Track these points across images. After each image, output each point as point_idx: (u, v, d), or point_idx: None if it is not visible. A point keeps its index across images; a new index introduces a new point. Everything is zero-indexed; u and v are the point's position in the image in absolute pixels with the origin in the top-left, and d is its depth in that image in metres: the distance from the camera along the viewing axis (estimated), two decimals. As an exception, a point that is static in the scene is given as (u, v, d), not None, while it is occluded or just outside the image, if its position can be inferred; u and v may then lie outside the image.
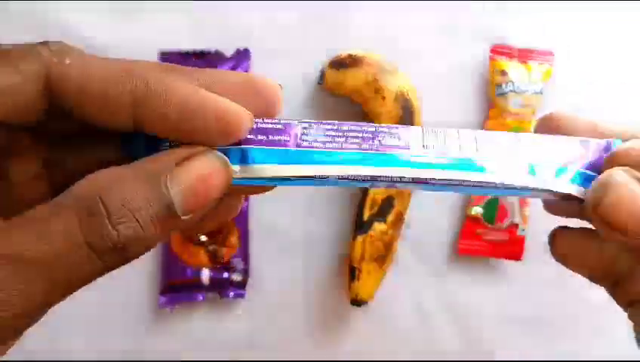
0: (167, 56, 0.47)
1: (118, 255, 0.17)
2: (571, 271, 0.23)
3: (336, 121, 0.22)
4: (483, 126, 0.49)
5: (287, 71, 0.48)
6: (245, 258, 0.48)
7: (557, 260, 0.23)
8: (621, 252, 0.22)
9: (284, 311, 0.49)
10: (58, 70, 0.17)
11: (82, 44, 0.21)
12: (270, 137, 0.21)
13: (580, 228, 0.23)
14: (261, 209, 0.49)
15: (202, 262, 0.48)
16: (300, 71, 0.48)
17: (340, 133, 0.21)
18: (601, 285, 0.23)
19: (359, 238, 0.46)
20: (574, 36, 0.50)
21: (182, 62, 0.47)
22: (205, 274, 0.48)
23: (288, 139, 0.21)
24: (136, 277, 0.48)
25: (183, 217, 0.17)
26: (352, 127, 0.21)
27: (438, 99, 0.48)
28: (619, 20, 0.50)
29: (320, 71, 0.47)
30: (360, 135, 0.21)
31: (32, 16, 0.47)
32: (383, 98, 0.45)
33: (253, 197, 0.48)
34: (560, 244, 0.23)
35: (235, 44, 0.48)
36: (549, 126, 0.23)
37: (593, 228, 0.21)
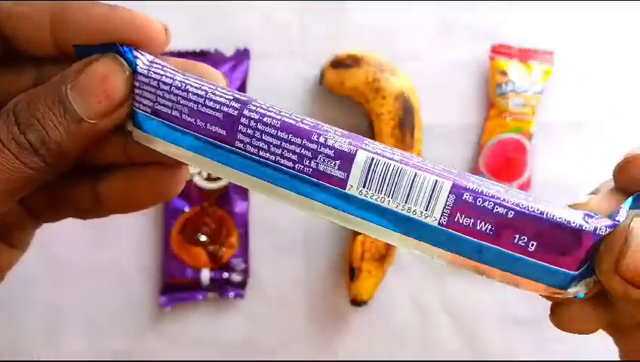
0: (166, 56, 0.47)
1: (32, 155, 0.18)
2: None
3: (286, 121, 0.19)
4: (483, 126, 0.49)
5: (287, 71, 0.48)
6: (245, 258, 0.48)
7: (562, 329, 0.21)
8: (623, 309, 0.20)
9: (284, 311, 0.49)
10: None
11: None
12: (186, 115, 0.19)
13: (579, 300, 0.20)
14: (261, 209, 0.49)
15: (202, 262, 0.48)
16: (300, 71, 0.48)
17: (278, 142, 0.18)
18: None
19: (359, 238, 0.46)
20: (574, 36, 0.50)
21: (182, 62, 0.47)
22: (205, 274, 0.48)
23: (223, 133, 0.19)
24: (137, 277, 0.48)
25: (89, 120, 0.19)
26: (293, 137, 0.18)
27: (438, 99, 0.48)
28: (619, 20, 0.50)
29: (320, 71, 0.47)
30: (298, 150, 0.18)
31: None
32: (383, 98, 0.45)
33: (253, 197, 0.48)
34: (561, 319, 0.20)
35: (235, 44, 0.48)
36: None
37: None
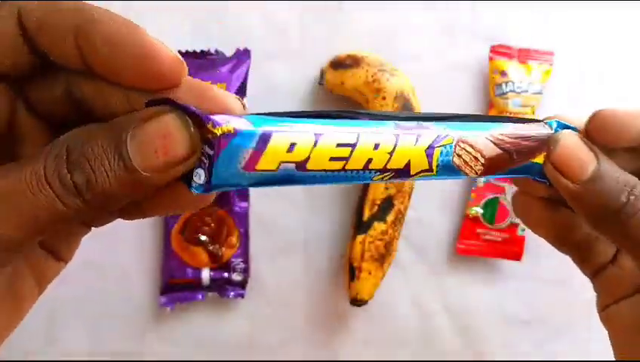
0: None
1: (75, 198, 0.18)
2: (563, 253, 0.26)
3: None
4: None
5: (287, 71, 0.48)
6: (245, 258, 0.48)
7: (519, 220, 0.27)
8: (576, 220, 0.25)
9: (284, 311, 0.49)
10: (25, 8, 0.18)
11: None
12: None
13: (538, 196, 0.26)
14: (261, 209, 0.49)
15: (202, 261, 0.48)
16: (300, 71, 0.48)
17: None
18: (566, 254, 0.26)
19: (359, 238, 0.46)
20: (574, 36, 0.50)
21: (182, 62, 0.47)
22: (205, 274, 0.48)
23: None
24: (137, 276, 0.48)
25: (143, 173, 0.18)
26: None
27: (438, 99, 0.48)
28: (619, 20, 0.50)
29: (320, 71, 0.47)
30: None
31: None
32: (383, 98, 0.45)
33: (253, 197, 0.48)
34: (519, 206, 0.26)
35: (235, 44, 0.48)
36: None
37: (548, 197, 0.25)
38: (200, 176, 0.19)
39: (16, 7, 0.18)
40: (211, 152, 0.18)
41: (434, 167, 0.21)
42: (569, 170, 0.22)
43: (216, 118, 0.18)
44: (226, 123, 0.18)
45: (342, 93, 0.47)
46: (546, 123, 0.24)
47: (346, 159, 0.19)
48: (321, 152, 0.19)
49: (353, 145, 0.20)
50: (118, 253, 0.48)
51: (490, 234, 0.49)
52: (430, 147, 0.21)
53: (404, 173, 0.21)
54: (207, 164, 0.18)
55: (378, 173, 0.20)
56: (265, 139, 0.18)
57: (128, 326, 0.48)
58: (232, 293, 0.48)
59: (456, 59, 0.49)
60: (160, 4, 0.47)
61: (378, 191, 0.46)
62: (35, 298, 0.22)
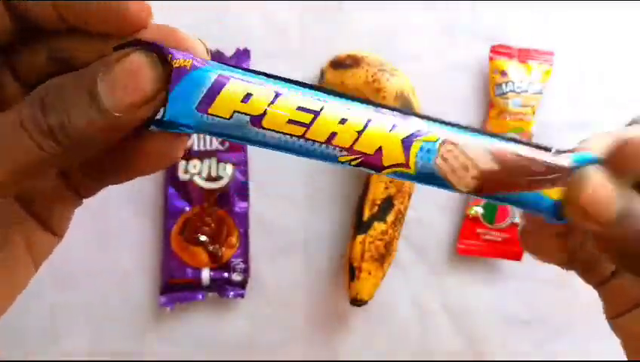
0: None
1: (50, 140, 0.18)
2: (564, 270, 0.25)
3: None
4: (483, 126, 0.49)
5: (287, 71, 0.48)
6: (245, 258, 0.48)
7: (529, 254, 0.25)
8: (583, 242, 0.24)
9: (284, 311, 0.49)
10: None
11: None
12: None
13: (544, 225, 0.24)
14: (261, 209, 0.49)
15: (202, 261, 0.48)
16: (300, 71, 0.48)
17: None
18: (571, 270, 0.25)
19: (359, 238, 0.46)
20: (574, 36, 0.50)
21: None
22: (205, 274, 0.48)
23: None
24: (137, 276, 0.48)
25: (115, 113, 0.18)
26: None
27: (438, 99, 0.48)
28: (619, 20, 0.50)
29: (320, 71, 0.47)
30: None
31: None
32: (383, 98, 0.45)
33: (253, 197, 0.48)
34: (529, 243, 0.25)
35: (235, 44, 0.48)
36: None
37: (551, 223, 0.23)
38: (160, 114, 0.19)
39: None
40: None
41: (411, 164, 0.19)
42: (595, 211, 0.20)
43: (178, 53, 0.19)
44: (185, 58, 0.19)
45: (342, 93, 0.47)
46: (559, 151, 0.21)
47: (307, 126, 0.19)
48: (279, 110, 0.19)
49: (316, 113, 0.19)
50: (118, 253, 0.48)
51: (491, 234, 0.49)
52: (408, 138, 0.19)
53: (375, 161, 0.19)
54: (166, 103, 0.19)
55: (344, 153, 0.19)
56: (221, 82, 0.19)
57: (128, 326, 0.48)
58: (232, 293, 0.48)
59: (457, 59, 0.49)
60: (160, 4, 0.47)
61: (378, 191, 0.46)
62: (30, 273, 0.23)
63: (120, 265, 0.48)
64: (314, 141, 0.19)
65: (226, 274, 0.48)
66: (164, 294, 0.48)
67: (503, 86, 0.48)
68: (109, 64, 0.19)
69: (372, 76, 0.45)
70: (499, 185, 0.20)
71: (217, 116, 0.19)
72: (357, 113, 0.19)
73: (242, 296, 0.48)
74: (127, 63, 0.19)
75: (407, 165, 0.19)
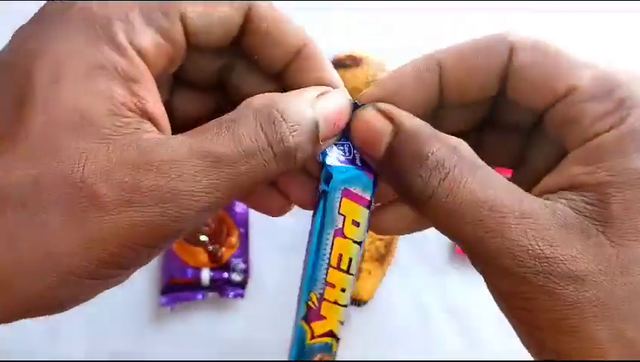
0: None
1: (288, 160, 0.19)
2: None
3: None
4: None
5: (287, 71, 0.48)
6: (245, 258, 0.48)
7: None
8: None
9: (284, 311, 0.49)
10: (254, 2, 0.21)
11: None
12: None
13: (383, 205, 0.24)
14: (261, 209, 0.49)
15: (202, 261, 0.48)
16: (300, 71, 0.48)
17: None
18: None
19: (359, 238, 0.46)
20: (574, 36, 0.50)
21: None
22: (205, 274, 0.48)
23: None
24: (137, 276, 0.48)
25: (321, 142, 0.20)
26: None
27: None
28: (618, 20, 0.50)
29: (320, 71, 0.47)
30: None
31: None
32: (383, 98, 0.45)
33: (253, 197, 0.49)
34: (378, 225, 0.25)
35: (235, 44, 0.48)
36: None
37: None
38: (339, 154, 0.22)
39: (179, 12, 0.20)
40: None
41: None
42: (368, 146, 0.21)
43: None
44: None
45: (342, 93, 0.47)
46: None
47: None
48: None
49: None
50: (118, 253, 0.48)
51: (490, 234, 0.49)
52: None
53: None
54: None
55: None
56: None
57: (128, 326, 0.48)
58: (231, 293, 0.48)
59: (457, 59, 0.49)
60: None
61: (378, 191, 0.46)
62: None
63: (120, 265, 0.48)
64: None
65: (225, 274, 0.48)
66: (165, 294, 0.48)
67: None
68: (318, 97, 0.20)
69: (372, 76, 0.45)
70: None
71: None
72: None
73: (242, 296, 0.48)
74: (335, 100, 0.21)
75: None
